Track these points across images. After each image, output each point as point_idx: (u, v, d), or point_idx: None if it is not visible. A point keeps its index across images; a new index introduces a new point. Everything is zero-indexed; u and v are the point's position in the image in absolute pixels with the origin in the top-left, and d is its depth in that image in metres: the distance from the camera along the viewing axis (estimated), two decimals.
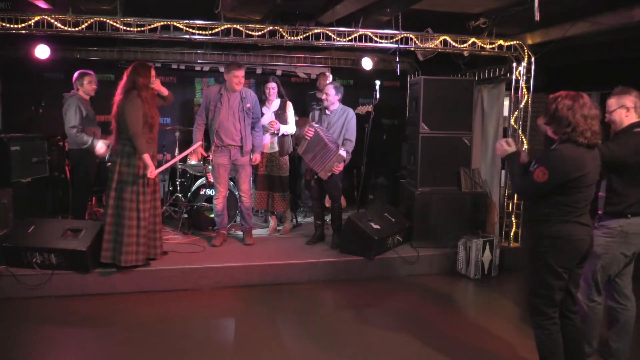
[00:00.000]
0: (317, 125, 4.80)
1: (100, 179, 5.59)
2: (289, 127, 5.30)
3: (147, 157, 3.98)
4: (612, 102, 3.07)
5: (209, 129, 4.80)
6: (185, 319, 3.68)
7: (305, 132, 4.77)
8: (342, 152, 4.69)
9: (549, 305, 2.52)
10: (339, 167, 4.76)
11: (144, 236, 4.09)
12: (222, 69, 7.05)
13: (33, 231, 4.11)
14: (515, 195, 5.10)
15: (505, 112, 5.53)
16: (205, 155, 5.09)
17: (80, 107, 4.87)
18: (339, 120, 4.86)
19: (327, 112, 4.92)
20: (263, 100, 5.31)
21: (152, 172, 3.99)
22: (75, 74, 5.02)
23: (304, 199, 6.26)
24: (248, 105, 4.78)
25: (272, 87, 5.26)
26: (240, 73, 4.68)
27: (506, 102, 5.49)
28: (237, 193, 5.09)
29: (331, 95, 4.83)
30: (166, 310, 3.79)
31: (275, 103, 5.33)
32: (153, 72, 4.17)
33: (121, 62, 6.56)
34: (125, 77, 4.08)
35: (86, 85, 4.99)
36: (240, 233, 5.22)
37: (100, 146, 4.83)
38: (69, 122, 4.83)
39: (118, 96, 4.06)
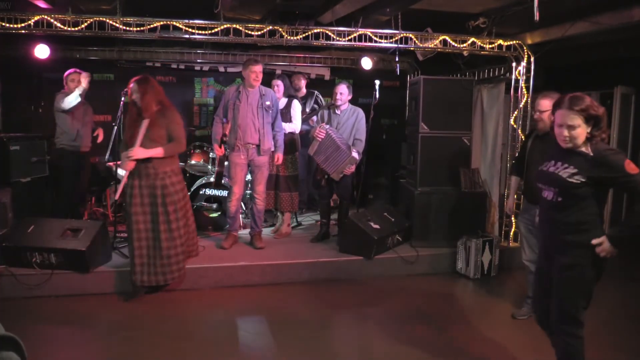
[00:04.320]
0: (327, 126, 4.80)
1: (99, 179, 5.60)
2: (293, 126, 5.27)
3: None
4: (545, 102, 3.32)
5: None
6: (185, 319, 3.68)
7: (317, 134, 4.76)
8: (355, 154, 4.71)
9: (584, 315, 2.44)
10: (351, 169, 4.79)
11: (138, 256, 3.76)
12: (221, 69, 7.09)
13: (32, 231, 4.10)
14: (515, 195, 5.10)
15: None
16: (224, 152, 4.84)
17: None
18: (349, 120, 4.87)
19: (336, 111, 4.93)
20: None
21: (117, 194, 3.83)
22: (66, 72, 5.06)
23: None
24: (268, 103, 4.69)
25: (277, 84, 5.24)
26: (258, 68, 4.62)
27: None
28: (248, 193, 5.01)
29: (345, 94, 4.84)
30: (166, 310, 3.79)
31: (282, 101, 5.30)
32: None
33: (121, 61, 6.58)
34: None
35: (69, 83, 5.01)
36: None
37: (82, 82, 4.87)
38: (57, 109, 4.93)
39: None
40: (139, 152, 3.63)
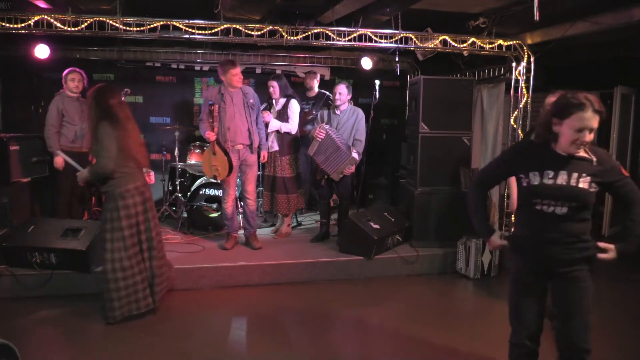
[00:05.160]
0: (327, 126, 4.80)
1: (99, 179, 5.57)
2: (289, 126, 5.22)
3: None
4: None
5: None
6: (185, 319, 3.69)
7: (317, 134, 4.76)
8: (355, 155, 4.71)
9: None
10: (350, 169, 4.80)
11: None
12: None
13: (32, 231, 4.11)
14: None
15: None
16: (216, 137, 4.69)
17: (60, 105, 4.90)
18: (349, 120, 4.87)
19: (336, 112, 4.93)
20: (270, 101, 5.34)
21: None
22: (65, 72, 5.04)
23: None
24: (251, 100, 4.73)
25: (272, 85, 5.24)
26: (237, 70, 4.63)
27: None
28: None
29: (344, 94, 4.85)
30: (166, 310, 3.79)
31: (281, 102, 5.28)
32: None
33: (121, 61, 6.57)
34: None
35: (69, 82, 4.98)
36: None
37: (56, 160, 4.80)
38: (47, 120, 4.89)
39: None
40: (80, 174, 3.51)
